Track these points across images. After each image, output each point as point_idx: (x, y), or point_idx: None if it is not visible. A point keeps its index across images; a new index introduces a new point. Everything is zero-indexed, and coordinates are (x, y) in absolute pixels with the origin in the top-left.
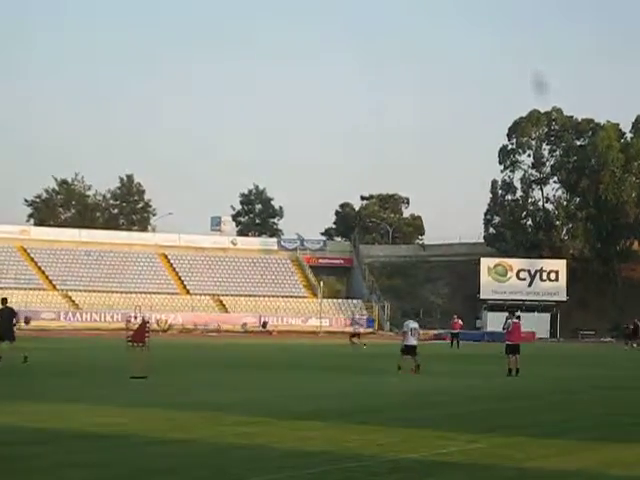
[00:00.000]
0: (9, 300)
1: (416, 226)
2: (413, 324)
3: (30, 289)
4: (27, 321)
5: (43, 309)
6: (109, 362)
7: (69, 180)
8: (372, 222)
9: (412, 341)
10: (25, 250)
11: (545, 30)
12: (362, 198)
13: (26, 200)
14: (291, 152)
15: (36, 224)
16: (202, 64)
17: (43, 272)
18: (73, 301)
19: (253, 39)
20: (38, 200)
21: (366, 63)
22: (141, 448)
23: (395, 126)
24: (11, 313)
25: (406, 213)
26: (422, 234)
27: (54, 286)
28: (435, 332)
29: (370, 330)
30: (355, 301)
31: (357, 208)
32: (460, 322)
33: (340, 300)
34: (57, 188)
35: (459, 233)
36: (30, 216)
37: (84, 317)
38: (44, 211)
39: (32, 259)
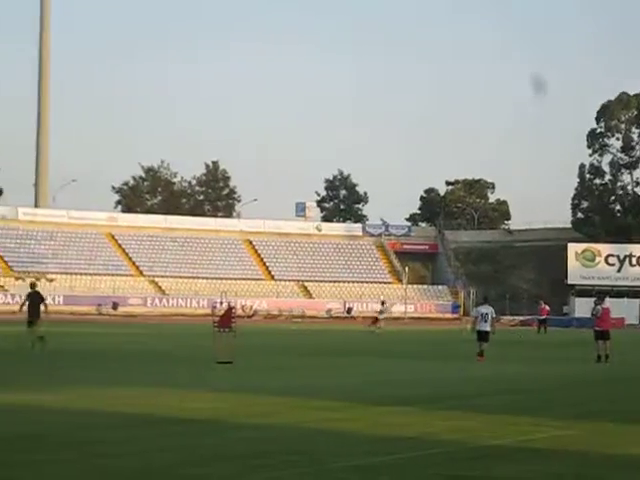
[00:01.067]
0: (99, 285)
1: (502, 211)
2: (484, 309)
3: (118, 275)
4: (115, 307)
5: (130, 295)
6: (196, 347)
7: (155, 167)
8: (457, 207)
9: (484, 327)
10: (113, 237)
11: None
12: (447, 183)
13: (113, 187)
14: (375, 137)
15: (123, 211)
16: (283, 56)
17: (130, 258)
18: (159, 287)
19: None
20: (125, 187)
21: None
22: (227, 432)
23: None
24: (40, 297)
25: (492, 198)
26: (508, 219)
27: (141, 272)
28: (522, 318)
29: (456, 316)
30: (440, 287)
31: (442, 193)
32: (547, 308)
33: (425, 286)
34: (144, 175)
35: (545, 218)
36: (118, 203)
37: (170, 303)
38: (131, 198)
39: (120, 246)
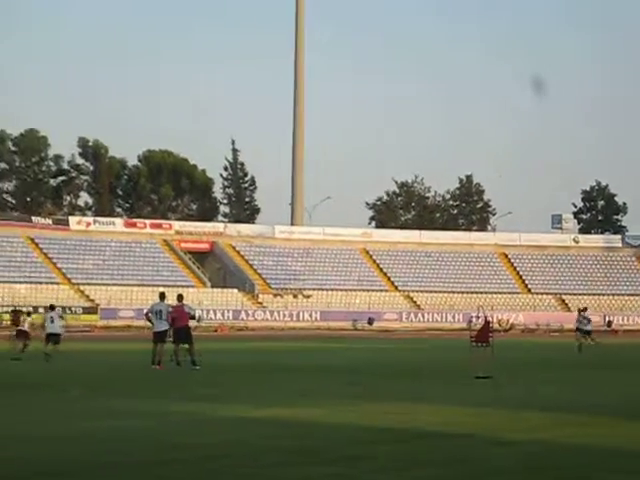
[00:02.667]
0: (354, 301)
1: None
2: None
3: (373, 290)
4: (370, 322)
5: (386, 310)
6: (453, 362)
7: (409, 182)
8: None
9: None
10: (367, 252)
11: None
12: None
13: (367, 203)
14: (633, 146)
15: (377, 227)
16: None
17: (385, 274)
18: (414, 302)
19: None
20: (379, 203)
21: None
22: (485, 448)
23: None
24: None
25: None
26: None
27: (396, 287)
28: None
29: None
30: None
31: None
32: None
33: None
34: (397, 190)
35: None
36: (371, 219)
37: (425, 317)
38: (385, 213)
39: (374, 261)
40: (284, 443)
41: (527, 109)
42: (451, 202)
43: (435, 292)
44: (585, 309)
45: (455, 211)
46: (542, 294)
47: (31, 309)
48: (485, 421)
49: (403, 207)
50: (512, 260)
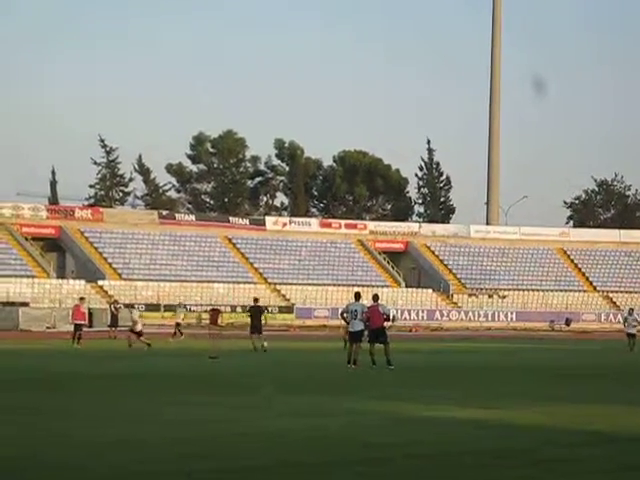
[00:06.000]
0: (551, 301)
1: None
2: None
3: (570, 291)
4: (568, 323)
5: (584, 311)
6: None
7: (609, 180)
8: None
9: None
10: (565, 252)
11: None
12: None
13: (565, 202)
14: None
15: (575, 226)
16: None
17: (583, 274)
18: (614, 302)
19: None
20: (577, 202)
21: None
22: None
23: None
24: (260, 311)
25: None
26: None
27: (594, 287)
28: None
29: None
30: None
31: None
32: None
33: None
34: (596, 189)
35: None
36: (569, 218)
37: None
38: (583, 212)
39: (572, 261)
40: (483, 444)
41: None
42: None
43: (635, 292)
44: None
45: None
46: None
47: (229, 308)
48: None
49: (602, 206)
50: None
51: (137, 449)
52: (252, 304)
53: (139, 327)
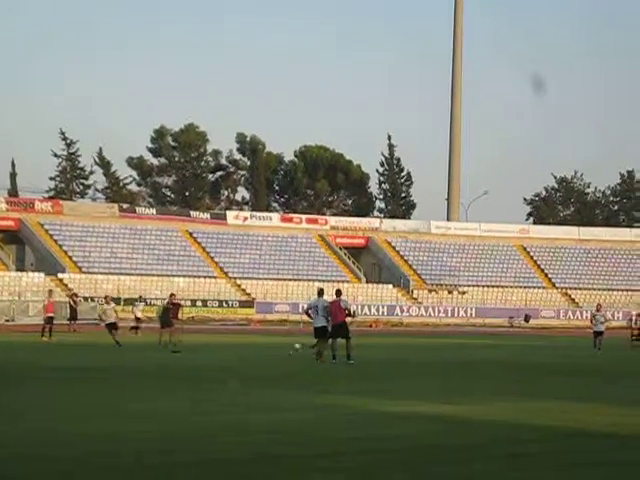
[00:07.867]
0: (511, 297)
1: None
2: None
3: (530, 287)
4: (527, 319)
5: (543, 307)
6: (613, 361)
7: (568, 178)
8: None
9: None
10: (524, 248)
11: None
12: None
13: (525, 199)
14: None
15: (535, 223)
16: None
17: (542, 270)
18: (572, 299)
19: None
20: (537, 198)
21: None
22: None
23: None
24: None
25: None
26: None
27: (553, 284)
28: None
29: None
30: None
31: None
32: None
33: None
34: (556, 186)
35: None
36: (529, 215)
37: (584, 315)
38: (543, 209)
39: (531, 257)
40: (447, 440)
41: None
42: (612, 198)
43: (594, 289)
44: None
45: (616, 207)
46: None
47: (189, 302)
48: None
49: (562, 203)
50: None
51: (99, 442)
52: (169, 300)
53: (112, 321)
